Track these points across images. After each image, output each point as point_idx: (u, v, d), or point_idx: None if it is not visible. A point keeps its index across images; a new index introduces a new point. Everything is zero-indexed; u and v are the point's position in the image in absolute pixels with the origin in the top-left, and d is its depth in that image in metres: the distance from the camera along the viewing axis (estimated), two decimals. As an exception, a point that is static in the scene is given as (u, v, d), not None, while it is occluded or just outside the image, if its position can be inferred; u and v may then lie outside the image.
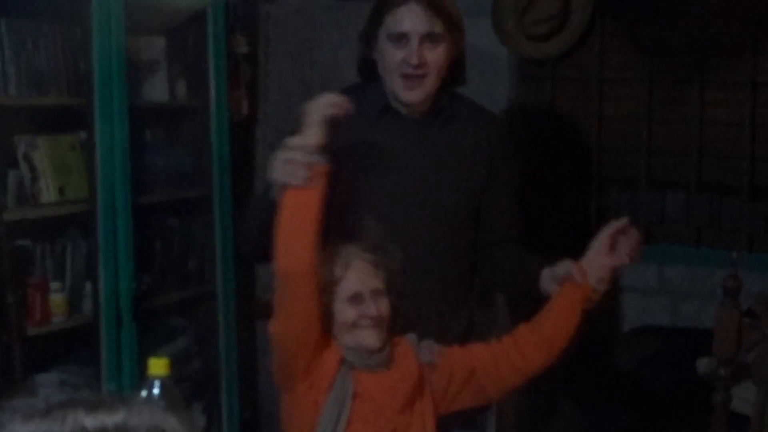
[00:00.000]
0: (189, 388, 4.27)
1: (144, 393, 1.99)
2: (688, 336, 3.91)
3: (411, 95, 2.87)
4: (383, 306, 2.69)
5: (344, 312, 2.67)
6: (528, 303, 2.99)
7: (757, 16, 4.00)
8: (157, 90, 4.31)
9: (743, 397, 2.91)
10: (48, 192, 3.85)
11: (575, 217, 4.33)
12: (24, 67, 3.78)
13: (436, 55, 2.84)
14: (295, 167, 2.58)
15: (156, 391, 1.99)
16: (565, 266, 2.77)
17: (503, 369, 2.77)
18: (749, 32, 4.01)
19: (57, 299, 3.86)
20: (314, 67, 4.80)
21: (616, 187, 4.30)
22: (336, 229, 2.79)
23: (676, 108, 4.17)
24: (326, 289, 2.68)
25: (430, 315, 2.91)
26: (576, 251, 3.49)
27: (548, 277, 2.81)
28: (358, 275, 2.69)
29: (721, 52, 4.07)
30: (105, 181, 3.89)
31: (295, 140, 2.64)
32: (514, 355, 2.77)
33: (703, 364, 3.55)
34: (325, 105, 2.67)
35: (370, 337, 2.68)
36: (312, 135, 2.63)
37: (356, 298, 2.67)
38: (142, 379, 2.04)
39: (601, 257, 2.77)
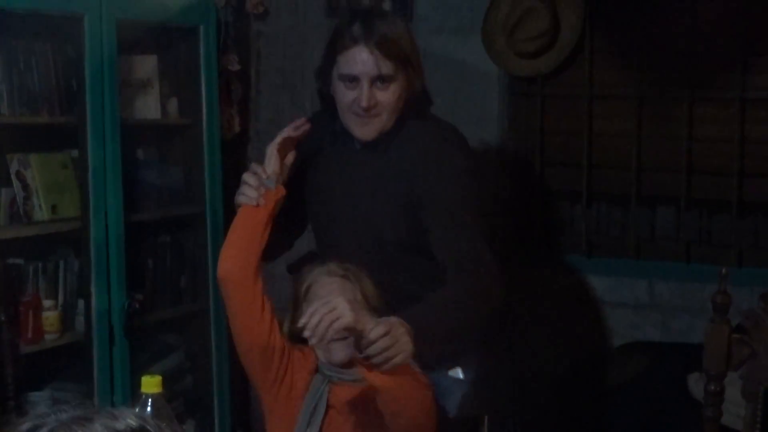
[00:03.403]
0: (181, 405, 4.27)
1: (136, 410, 2.00)
2: (679, 351, 3.92)
3: (363, 132, 2.90)
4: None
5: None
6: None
7: (745, 33, 4.02)
8: (149, 108, 4.32)
9: (734, 412, 2.92)
10: (40, 210, 3.86)
11: (564, 232, 4.34)
12: (16, 86, 3.79)
13: (387, 96, 2.85)
14: (248, 189, 2.81)
15: (148, 408, 1.99)
16: None
17: None
18: (738, 49, 4.03)
19: (49, 317, 3.87)
20: (305, 84, 4.81)
21: (606, 204, 4.31)
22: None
23: (665, 124, 4.18)
24: (297, 307, 2.74)
25: None
26: (562, 266, 3.52)
27: None
28: (322, 291, 2.72)
29: (710, 69, 4.09)
30: (97, 198, 3.90)
31: (253, 166, 2.87)
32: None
33: (693, 380, 3.56)
34: (282, 134, 2.89)
35: (337, 352, 2.71)
36: (268, 162, 2.85)
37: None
38: (134, 396, 2.05)
39: None
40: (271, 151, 2.85)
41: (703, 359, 2.73)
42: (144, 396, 2.00)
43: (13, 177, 3.85)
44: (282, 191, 2.84)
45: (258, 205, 2.79)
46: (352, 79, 2.84)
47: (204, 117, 4.41)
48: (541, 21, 4.17)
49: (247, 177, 2.84)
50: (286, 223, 2.96)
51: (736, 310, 2.77)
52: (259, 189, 2.80)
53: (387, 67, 2.83)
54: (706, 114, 4.12)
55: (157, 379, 2.01)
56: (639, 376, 3.86)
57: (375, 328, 2.44)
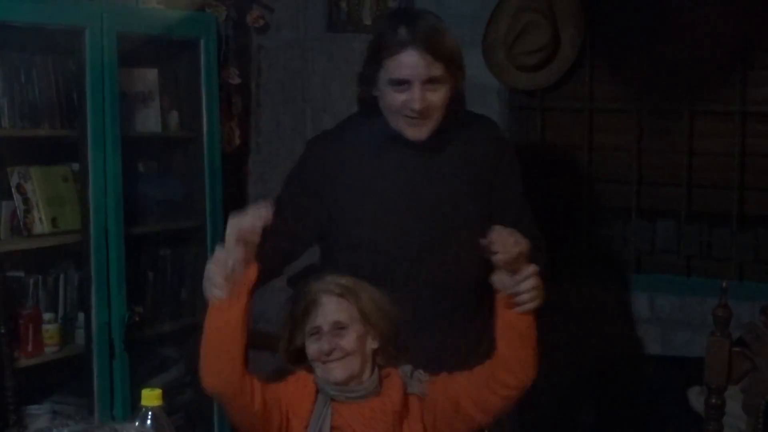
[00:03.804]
0: (182, 419, 4.27)
1: (137, 423, 2.00)
2: (679, 365, 3.91)
3: (416, 133, 2.88)
4: (344, 340, 2.69)
5: (309, 347, 2.69)
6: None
7: (744, 47, 4.03)
8: (149, 121, 4.33)
9: (734, 426, 2.92)
10: (41, 223, 3.87)
11: (566, 246, 4.34)
12: (17, 99, 3.80)
13: (437, 97, 2.85)
14: (213, 287, 2.52)
15: (148, 421, 1.99)
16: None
17: (484, 393, 2.76)
18: (737, 63, 4.04)
19: (50, 330, 3.87)
20: (306, 98, 4.83)
21: (606, 217, 4.31)
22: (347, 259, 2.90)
23: (665, 138, 4.19)
24: (297, 326, 2.71)
25: (435, 342, 2.93)
26: (567, 280, 3.51)
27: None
28: (320, 309, 2.68)
29: (710, 83, 4.10)
30: (97, 211, 3.90)
31: (216, 254, 2.55)
32: (492, 380, 2.76)
33: (694, 393, 3.56)
34: (240, 221, 2.54)
35: (334, 370, 2.68)
36: (230, 250, 2.51)
37: (316, 333, 2.68)
38: (134, 409, 2.05)
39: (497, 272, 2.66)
40: (230, 243, 2.52)
41: (704, 373, 2.73)
42: (144, 409, 2.00)
43: (13, 190, 3.85)
44: (254, 271, 2.56)
45: (228, 302, 2.53)
46: (402, 83, 2.83)
47: (204, 130, 4.41)
48: (541, 35, 4.17)
49: (210, 271, 2.53)
50: (293, 239, 2.96)
51: (737, 324, 2.77)
52: (227, 280, 2.51)
53: (437, 69, 2.82)
54: (706, 127, 4.12)
55: (157, 392, 2.01)
56: (640, 390, 3.86)
57: (531, 266, 2.56)
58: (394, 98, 2.85)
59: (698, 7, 4.07)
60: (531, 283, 2.57)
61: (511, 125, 4.40)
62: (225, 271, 2.51)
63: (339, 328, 2.69)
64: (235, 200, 4.76)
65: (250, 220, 2.53)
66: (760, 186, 4.04)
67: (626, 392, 3.95)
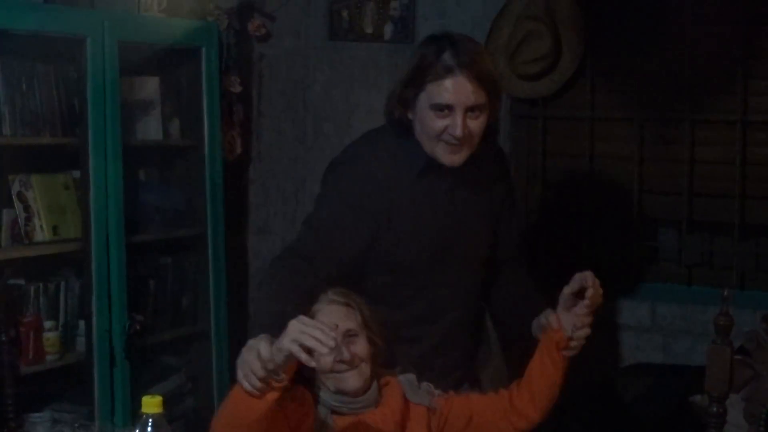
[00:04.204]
0: (182, 427, 4.26)
1: (137, 431, 2.00)
2: (681, 374, 3.91)
3: (453, 159, 2.84)
4: (358, 347, 2.69)
5: (319, 358, 2.62)
6: (519, 342, 3.03)
7: (746, 56, 4.03)
8: (150, 129, 4.33)
9: (736, 435, 2.91)
10: (42, 231, 3.87)
11: (566, 255, 4.34)
12: (18, 107, 3.80)
13: (478, 124, 2.82)
14: (251, 375, 2.36)
15: (149, 429, 1.99)
16: (545, 314, 2.84)
17: (500, 423, 2.80)
18: (738, 71, 4.04)
19: (50, 338, 3.86)
20: (307, 106, 4.83)
21: (607, 226, 4.31)
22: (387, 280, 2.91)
23: (666, 147, 4.19)
24: None
25: (455, 353, 3.00)
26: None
27: (536, 326, 2.89)
28: (328, 319, 2.64)
29: (711, 91, 4.10)
30: (98, 219, 3.90)
31: (264, 351, 2.35)
32: (509, 409, 2.79)
33: (695, 402, 3.55)
34: (307, 338, 2.29)
35: (350, 379, 2.68)
36: (281, 356, 2.32)
37: None
38: (134, 417, 2.05)
39: (567, 309, 2.82)
40: (289, 349, 2.30)
41: (705, 381, 2.72)
42: (145, 416, 1.99)
43: (14, 198, 3.85)
44: (286, 383, 2.40)
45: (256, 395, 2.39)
46: (444, 108, 2.78)
47: (206, 138, 4.42)
48: (543, 44, 4.17)
49: (252, 361, 2.36)
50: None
51: (738, 333, 2.76)
52: (264, 380, 2.36)
53: (481, 97, 2.79)
54: (707, 136, 4.12)
55: (158, 399, 2.01)
56: (641, 399, 3.86)
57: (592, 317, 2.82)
58: (435, 123, 2.79)
59: (699, 16, 4.08)
60: (588, 331, 2.81)
61: (513, 134, 4.40)
62: (265, 372, 2.34)
63: (351, 335, 2.69)
64: (236, 209, 4.76)
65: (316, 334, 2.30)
66: (761, 195, 4.04)
67: (627, 401, 3.94)
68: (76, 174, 4.00)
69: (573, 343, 2.80)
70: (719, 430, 2.73)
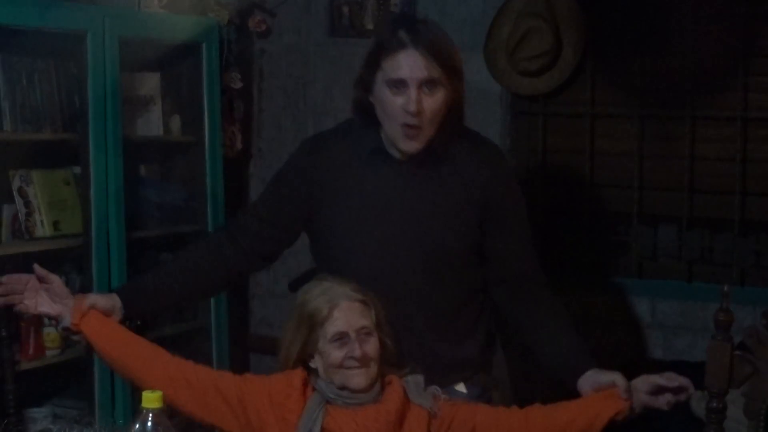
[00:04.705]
0: (184, 421, 4.25)
1: (137, 426, 2.00)
2: (681, 370, 3.90)
3: (410, 145, 2.82)
4: (370, 346, 2.68)
5: (330, 353, 2.65)
6: (529, 357, 2.99)
7: (745, 52, 4.03)
8: (151, 125, 4.34)
9: (736, 430, 2.91)
10: (42, 226, 3.87)
11: (567, 251, 4.34)
12: (19, 103, 3.80)
13: (434, 103, 2.78)
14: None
15: (149, 423, 1.99)
16: (612, 377, 2.78)
17: None
18: (738, 68, 4.04)
19: (51, 333, 3.87)
20: (307, 102, 4.83)
21: (608, 223, 4.31)
22: (328, 268, 2.89)
23: (667, 143, 4.19)
24: (312, 328, 2.68)
25: (424, 353, 2.88)
26: (568, 286, 3.49)
27: (589, 379, 2.80)
28: (344, 315, 2.66)
29: (711, 88, 4.10)
30: (99, 215, 3.91)
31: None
32: (519, 431, 2.76)
33: (696, 398, 3.55)
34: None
35: (357, 378, 2.66)
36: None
37: (341, 339, 2.66)
38: (135, 413, 2.05)
39: (645, 390, 2.77)
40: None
41: (705, 377, 2.72)
42: (145, 411, 2.00)
43: (15, 193, 3.85)
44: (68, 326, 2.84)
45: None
46: (400, 84, 2.77)
47: (206, 134, 4.42)
48: (543, 40, 4.18)
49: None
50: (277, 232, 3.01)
51: (739, 330, 2.76)
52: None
53: (435, 71, 2.77)
54: (708, 133, 4.12)
55: (158, 394, 2.01)
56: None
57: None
58: (391, 101, 2.78)
59: (699, 13, 4.08)
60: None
61: (513, 130, 4.40)
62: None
63: (366, 333, 2.68)
64: (237, 205, 4.76)
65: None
66: (761, 191, 4.04)
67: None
68: (77, 170, 4.00)
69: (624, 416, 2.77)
70: (719, 426, 2.73)
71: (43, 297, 2.87)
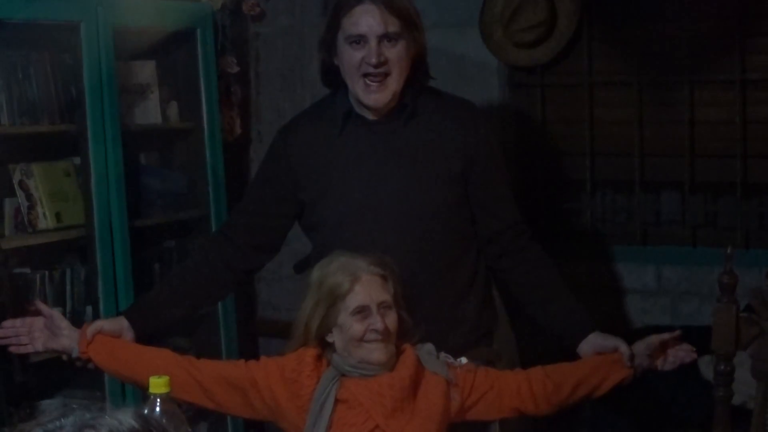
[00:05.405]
0: (193, 408, 4.26)
1: (145, 411, 2.00)
2: (689, 335, 3.91)
3: (374, 98, 2.86)
4: (390, 319, 2.69)
5: (351, 326, 2.68)
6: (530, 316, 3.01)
7: (743, 15, 4.02)
8: (149, 113, 4.33)
9: (744, 392, 2.92)
10: (45, 219, 3.87)
11: (569, 221, 4.34)
12: (16, 96, 3.80)
13: (395, 53, 2.84)
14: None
15: (157, 408, 2.00)
16: (615, 342, 2.84)
17: (505, 399, 2.78)
18: (736, 31, 4.03)
19: (59, 326, 3.86)
20: (305, 85, 4.81)
21: (610, 191, 4.31)
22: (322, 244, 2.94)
23: (666, 109, 4.18)
24: (332, 303, 2.70)
25: (423, 313, 2.89)
26: (569, 255, 3.48)
27: (592, 343, 2.87)
28: (365, 288, 2.69)
29: (709, 52, 4.09)
30: (101, 205, 3.91)
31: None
32: (526, 392, 2.77)
33: (704, 363, 3.55)
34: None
35: (377, 351, 2.68)
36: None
37: (362, 312, 2.68)
38: (145, 400, 2.05)
39: (647, 354, 2.85)
40: None
41: (712, 339, 2.73)
42: (152, 396, 2.00)
43: (16, 187, 3.85)
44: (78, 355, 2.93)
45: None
46: (359, 39, 2.82)
47: (205, 120, 4.41)
48: (538, 10, 4.16)
49: None
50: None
51: (745, 293, 2.76)
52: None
53: (394, 24, 2.82)
54: (707, 97, 4.11)
55: (165, 379, 2.02)
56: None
57: None
58: (351, 56, 2.84)
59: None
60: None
61: (512, 103, 4.40)
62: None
63: (386, 307, 2.69)
64: (238, 189, 4.75)
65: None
66: (762, 153, 4.04)
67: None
68: (77, 160, 4.00)
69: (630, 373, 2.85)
70: (727, 388, 2.74)
71: (47, 334, 2.93)
